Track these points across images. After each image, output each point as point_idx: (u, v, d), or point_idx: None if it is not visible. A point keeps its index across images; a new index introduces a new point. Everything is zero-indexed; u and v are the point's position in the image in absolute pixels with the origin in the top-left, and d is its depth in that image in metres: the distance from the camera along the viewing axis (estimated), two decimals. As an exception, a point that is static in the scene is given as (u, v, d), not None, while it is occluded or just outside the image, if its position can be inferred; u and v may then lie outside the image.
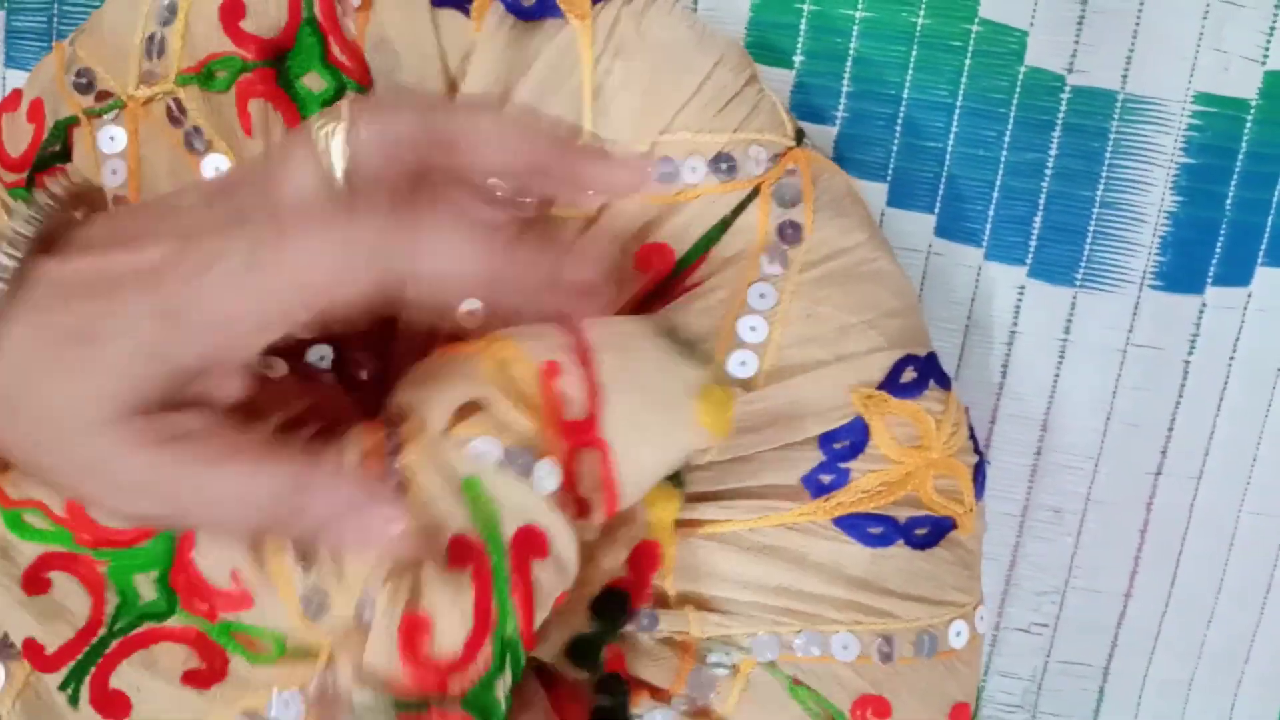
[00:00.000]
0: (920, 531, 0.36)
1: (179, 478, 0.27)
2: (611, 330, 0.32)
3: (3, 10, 0.42)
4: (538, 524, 0.30)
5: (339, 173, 0.27)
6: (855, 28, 0.42)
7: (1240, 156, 0.43)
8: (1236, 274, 0.44)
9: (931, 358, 0.37)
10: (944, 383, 0.37)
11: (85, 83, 0.37)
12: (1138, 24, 0.42)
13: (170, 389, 0.27)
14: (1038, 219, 0.43)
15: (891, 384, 0.36)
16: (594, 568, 0.34)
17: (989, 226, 0.43)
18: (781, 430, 0.36)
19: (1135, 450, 0.45)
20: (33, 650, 0.32)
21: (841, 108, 0.43)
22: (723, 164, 0.36)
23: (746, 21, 0.42)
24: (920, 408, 0.36)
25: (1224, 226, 0.44)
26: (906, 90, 0.42)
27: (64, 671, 0.31)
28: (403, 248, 0.26)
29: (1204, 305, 0.44)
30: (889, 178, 0.43)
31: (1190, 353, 0.44)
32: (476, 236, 0.27)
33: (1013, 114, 0.43)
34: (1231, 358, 0.45)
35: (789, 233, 0.36)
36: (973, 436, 0.38)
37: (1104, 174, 0.43)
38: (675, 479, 0.35)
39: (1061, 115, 0.43)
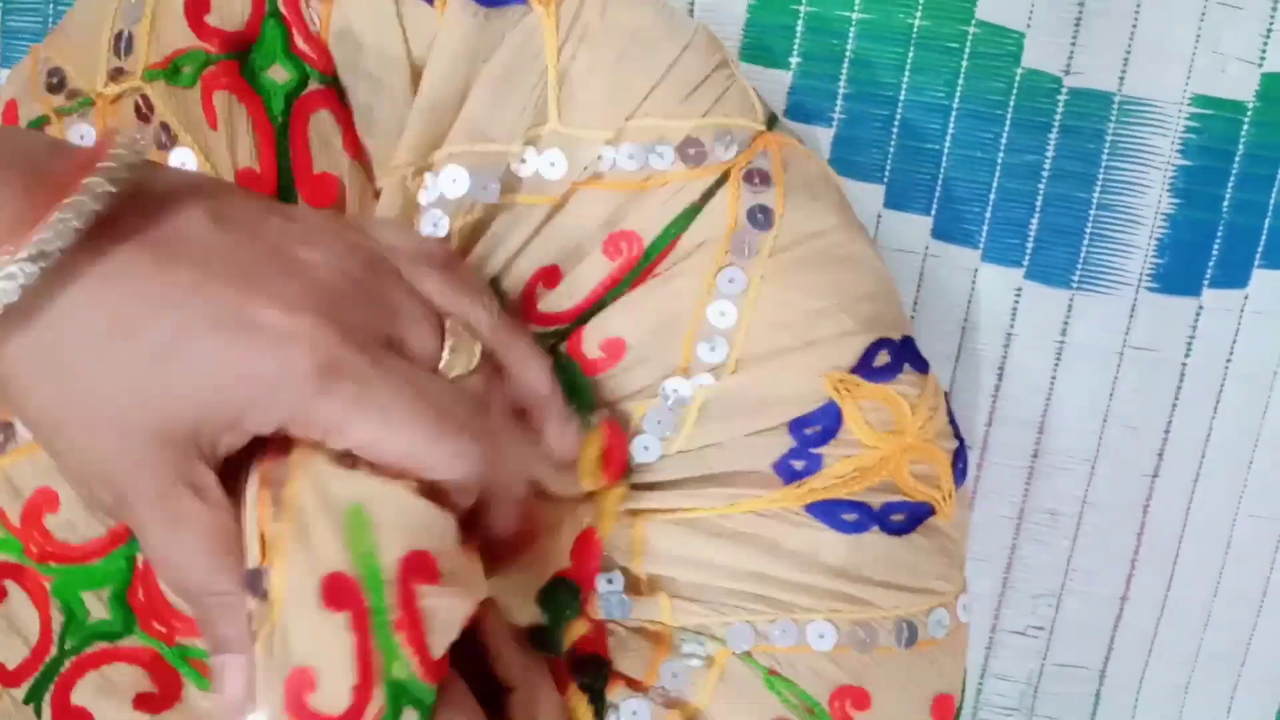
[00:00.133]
0: (896, 518, 0.36)
1: (163, 520, 0.27)
2: None
3: (-3, 10, 0.42)
4: (427, 546, 0.28)
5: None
6: (852, 29, 0.42)
7: (1237, 159, 0.43)
8: (1233, 276, 0.44)
9: (907, 341, 0.37)
10: (920, 366, 0.37)
11: (56, 82, 0.37)
12: (1135, 26, 0.42)
13: (214, 440, 0.27)
14: (1034, 221, 0.43)
15: (864, 368, 0.36)
16: (540, 559, 0.35)
17: (986, 228, 0.43)
18: (752, 416, 0.36)
19: (1132, 453, 0.45)
20: None
21: (838, 109, 0.42)
22: (690, 149, 0.36)
23: (743, 23, 0.42)
24: (894, 391, 0.36)
25: (1221, 229, 0.44)
26: (903, 92, 0.42)
27: (25, 687, 0.31)
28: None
29: (1201, 308, 0.44)
30: (886, 179, 0.43)
31: (1187, 355, 0.44)
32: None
33: (1009, 116, 0.43)
34: (1228, 360, 0.45)
35: (759, 218, 0.36)
36: (953, 422, 0.38)
37: (1101, 176, 0.43)
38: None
39: (1058, 117, 0.43)
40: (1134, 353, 0.44)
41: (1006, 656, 0.46)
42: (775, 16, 0.42)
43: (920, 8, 0.42)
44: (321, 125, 0.36)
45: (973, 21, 0.42)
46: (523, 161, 0.36)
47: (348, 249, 0.29)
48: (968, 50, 0.42)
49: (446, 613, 0.28)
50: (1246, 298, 0.44)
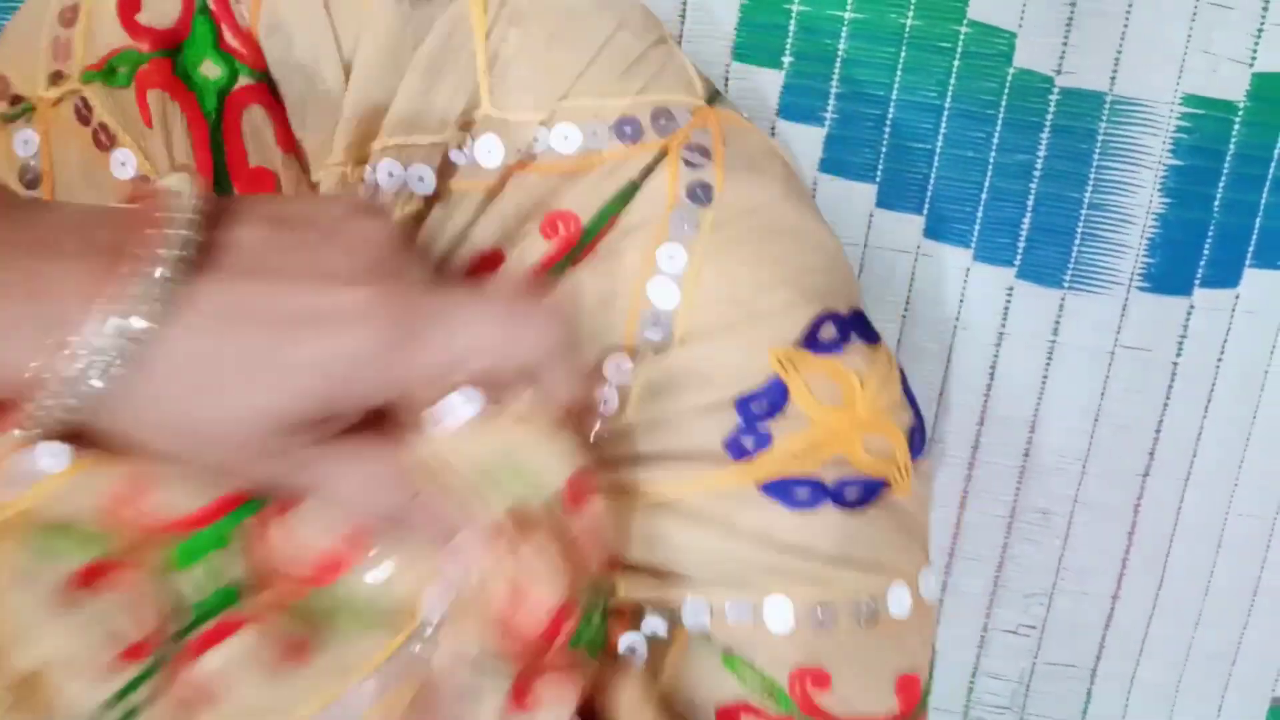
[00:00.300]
0: (851, 494, 0.36)
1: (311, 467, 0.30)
2: None
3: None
4: (582, 471, 0.32)
5: None
6: (844, 29, 0.42)
7: (1228, 158, 0.43)
8: (1224, 276, 0.44)
9: (856, 314, 0.37)
10: (869, 338, 0.37)
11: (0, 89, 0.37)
12: (1126, 26, 0.42)
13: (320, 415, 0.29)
14: (1026, 220, 0.43)
15: (810, 341, 0.35)
16: None
17: (977, 228, 0.43)
18: (695, 392, 0.35)
19: (1123, 452, 0.45)
20: (79, 667, 0.30)
21: (830, 109, 0.43)
22: (627, 127, 0.36)
23: (736, 22, 0.42)
24: (841, 365, 0.36)
25: (1212, 228, 0.44)
26: (895, 91, 0.42)
27: (124, 678, 0.30)
28: None
29: (1192, 307, 0.44)
30: (878, 179, 0.43)
31: (1178, 355, 0.45)
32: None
33: (1001, 115, 0.43)
34: (1219, 360, 0.45)
35: (699, 194, 0.36)
36: (909, 394, 0.38)
37: (1092, 176, 0.43)
38: None
39: (1050, 117, 0.43)
40: (1125, 352, 0.44)
41: (998, 655, 0.46)
42: (767, 16, 0.42)
43: (912, 7, 0.42)
44: (255, 120, 0.36)
45: (964, 21, 0.42)
46: (458, 148, 0.36)
47: (356, 218, 0.31)
48: (959, 50, 0.42)
49: (606, 514, 0.32)
50: (1238, 297, 0.44)
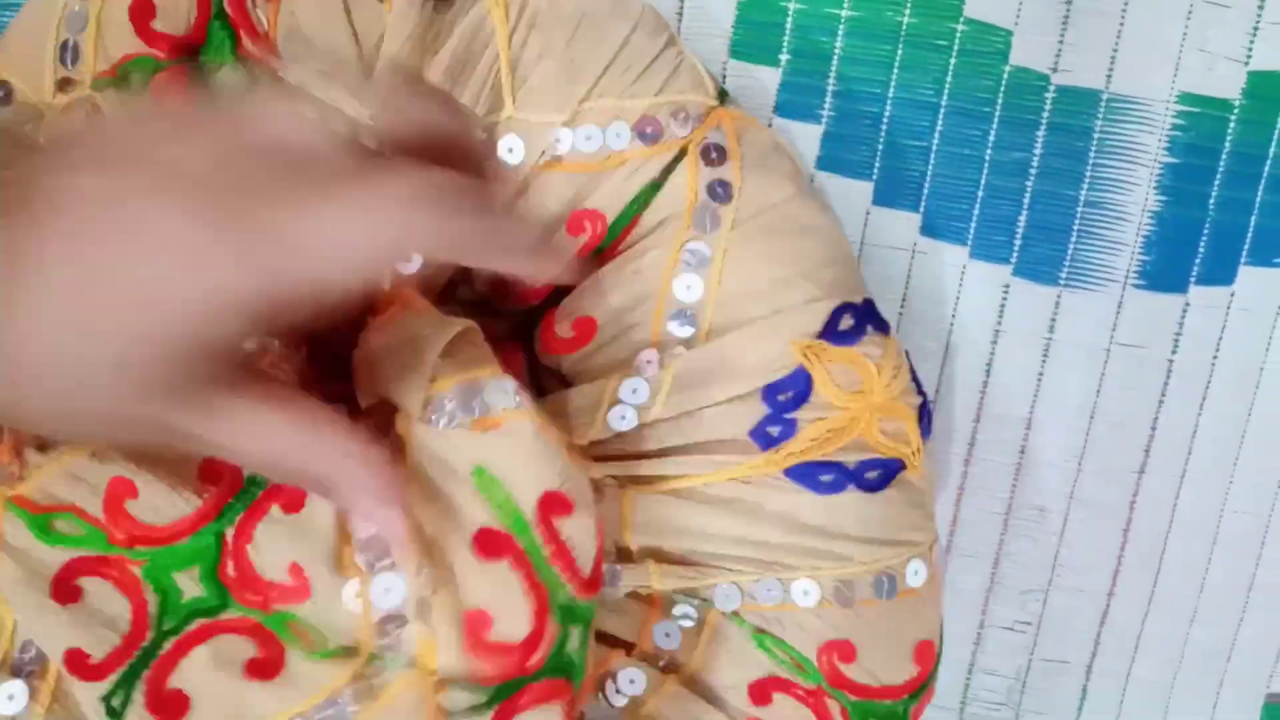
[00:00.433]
0: (871, 475, 0.37)
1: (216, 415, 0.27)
2: None
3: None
4: (552, 484, 0.32)
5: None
6: (841, 27, 0.42)
7: (1224, 156, 0.43)
8: (1220, 273, 0.44)
9: (868, 304, 0.38)
10: (882, 327, 0.38)
11: (3, 95, 0.37)
12: (1122, 24, 0.42)
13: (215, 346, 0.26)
14: (1022, 218, 0.43)
15: (830, 332, 0.37)
16: None
17: (974, 225, 0.43)
18: (724, 385, 0.36)
19: (1119, 449, 0.45)
20: (76, 661, 0.31)
21: (827, 106, 0.43)
22: (647, 128, 0.37)
23: (733, 20, 0.42)
24: (859, 353, 0.37)
25: (1207, 226, 0.44)
26: (892, 89, 0.43)
27: (113, 679, 0.31)
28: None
29: (1187, 304, 0.44)
30: (874, 176, 0.43)
31: (1174, 352, 0.45)
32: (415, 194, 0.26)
33: (997, 113, 0.43)
34: (1215, 357, 0.45)
35: (719, 191, 0.37)
36: (915, 378, 0.39)
37: (1088, 173, 0.43)
38: None
39: (1046, 114, 0.43)
40: (1121, 349, 0.44)
41: (994, 652, 0.46)
42: (764, 14, 0.42)
43: (908, 6, 0.42)
44: None
45: (961, 19, 0.42)
46: None
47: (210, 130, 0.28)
48: (956, 48, 0.42)
49: (584, 534, 0.32)
50: (1233, 295, 0.44)
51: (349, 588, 0.31)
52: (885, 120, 0.43)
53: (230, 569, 0.31)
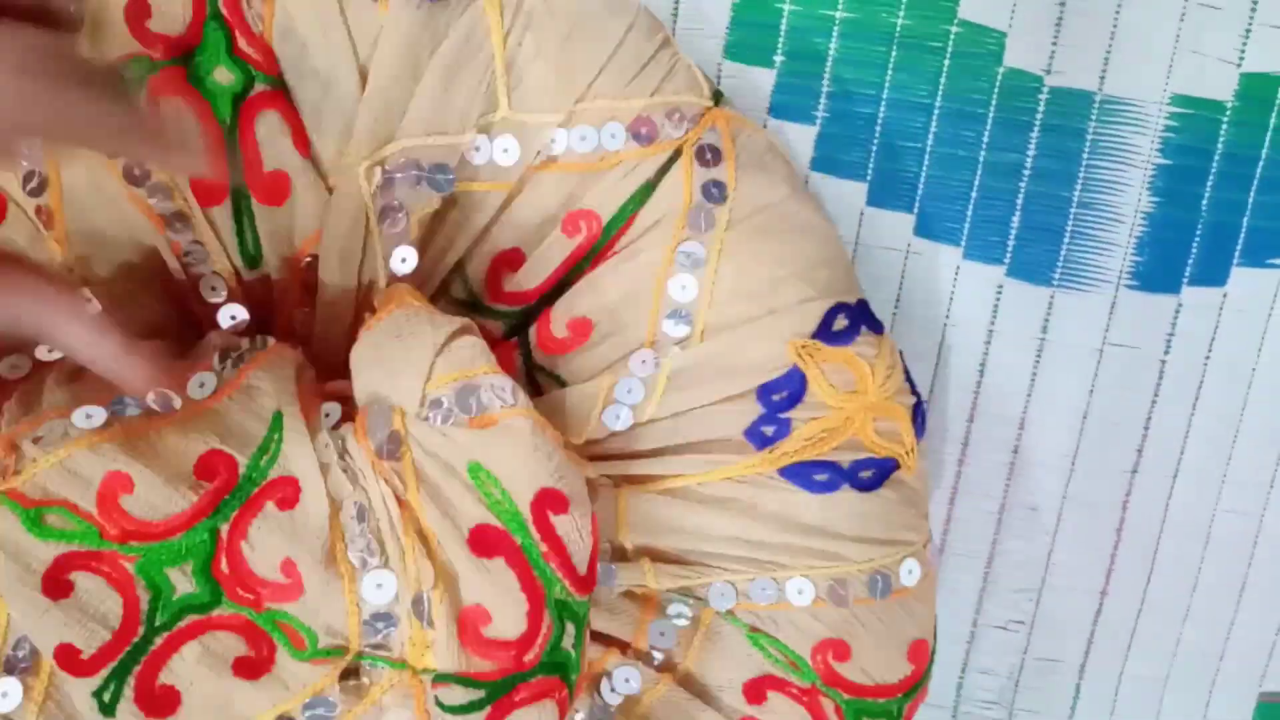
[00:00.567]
0: (865, 474, 0.37)
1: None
2: None
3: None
4: (548, 482, 0.32)
5: None
6: (835, 28, 0.42)
7: (1216, 158, 0.43)
8: (1212, 274, 0.44)
9: (862, 304, 0.38)
10: (876, 327, 0.38)
11: None
12: (1115, 26, 0.42)
13: None
14: (1016, 219, 0.44)
15: (824, 332, 0.37)
16: None
17: (967, 226, 0.44)
18: (720, 383, 0.37)
19: (1112, 449, 0.45)
20: (67, 656, 0.31)
21: (821, 107, 0.43)
22: (642, 128, 0.37)
23: (728, 21, 0.42)
24: (854, 353, 0.37)
25: (1200, 227, 0.44)
26: (886, 90, 0.43)
27: (103, 674, 0.31)
28: None
29: (1180, 305, 0.44)
30: (868, 177, 0.43)
31: (1166, 352, 0.45)
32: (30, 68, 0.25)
33: (991, 115, 0.43)
34: (1207, 357, 0.45)
35: (713, 192, 0.37)
36: (909, 378, 0.39)
37: (1081, 174, 0.43)
38: None
39: (1039, 116, 0.43)
40: (1114, 350, 0.45)
41: (987, 651, 0.47)
42: (759, 15, 0.42)
43: (903, 7, 0.42)
44: (270, 126, 0.36)
45: (955, 21, 0.42)
46: (476, 150, 0.36)
47: None
48: (950, 49, 0.42)
49: (579, 531, 0.32)
50: (1225, 295, 0.45)
51: (340, 585, 0.31)
52: (879, 121, 0.43)
53: (224, 565, 0.31)
